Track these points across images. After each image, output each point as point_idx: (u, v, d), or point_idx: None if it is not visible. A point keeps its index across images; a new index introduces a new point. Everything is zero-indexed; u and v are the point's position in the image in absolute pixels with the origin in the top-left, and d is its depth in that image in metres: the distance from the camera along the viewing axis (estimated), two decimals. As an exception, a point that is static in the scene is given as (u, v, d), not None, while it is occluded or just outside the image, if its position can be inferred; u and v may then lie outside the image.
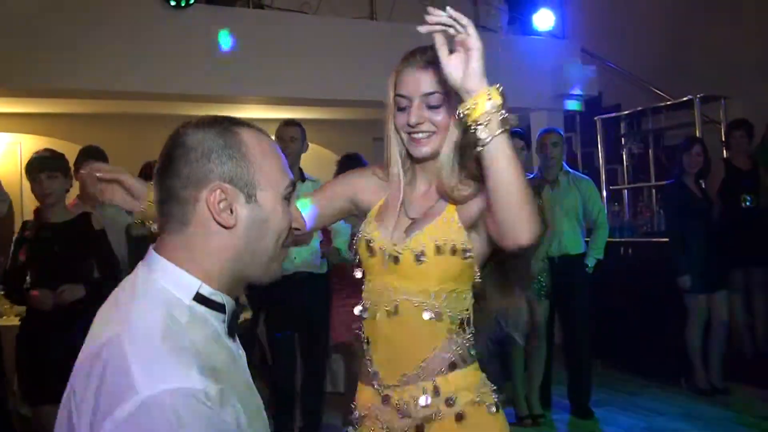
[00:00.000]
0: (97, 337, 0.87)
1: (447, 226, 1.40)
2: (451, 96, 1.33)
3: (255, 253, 0.96)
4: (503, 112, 1.17)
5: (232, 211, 0.92)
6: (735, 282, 4.56)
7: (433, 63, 1.31)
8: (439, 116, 1.38)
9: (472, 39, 1.14)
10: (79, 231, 3.05)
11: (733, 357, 4.56)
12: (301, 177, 3.69)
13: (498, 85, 1.17)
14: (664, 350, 4.70)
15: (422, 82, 1.37)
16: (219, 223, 0.92)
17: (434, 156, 1.42)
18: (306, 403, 3.70)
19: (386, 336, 1.44)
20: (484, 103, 1.15)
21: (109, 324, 0.88)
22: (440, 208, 1.44)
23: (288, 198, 0.99)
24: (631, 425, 3.96)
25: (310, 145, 3.81)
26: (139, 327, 0.85)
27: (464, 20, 1.14)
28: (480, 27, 6.02)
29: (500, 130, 1.16)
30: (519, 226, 1.22)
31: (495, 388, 1.46)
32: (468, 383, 1.42)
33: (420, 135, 1.40)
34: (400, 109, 1.41)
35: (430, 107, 1.38)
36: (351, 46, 5.18)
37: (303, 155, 3.74)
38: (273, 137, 3.63)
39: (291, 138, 3.61)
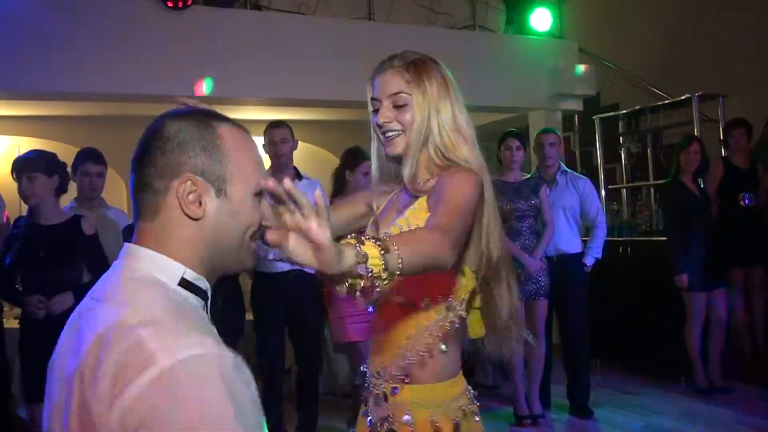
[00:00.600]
0: (94, 325, 0.86)
1: (416, 213, 1.43)
2: (417, 95, 1.41)
3: (223, 244, 0.97)
4: (376, 266, 1.01)
5: (200, 203, 0.93)
6: (734, 281, 4.55)
7: (399, 66, 1.42)
8: (407, 115, 1.43)
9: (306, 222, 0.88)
10: (68, 235, 2.97)
11: (733, 356, 4.56)
12: (297, 176, 3.70)
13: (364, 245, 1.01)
14: (663, 349, 4.70)
15: (388, 83, 1.44)
16: (187, 215, 0.93)
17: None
18: (301, 403, 3.69)
19: (377, 326, 1.49)
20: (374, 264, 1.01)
21: (105, 311, 0.87)
22: (415, 202, 1.48)
23: (260, 194, 0.99)
24: (630, 425, 3.96)
25: (308, 145, 3.82)
26: (145, 308, 0.85)
27: (303, 200, 0.88)
28: (478, 27, 6.06)
29: (387, 280, 1.04)
30: (439, 263, 1.16)
31: (476, 394, 1.48)
32: (451, 393, 1.43)
33: (390, 134, 1.45)
34: (375, 112, 1.48)
35: (397, 107, 1.44)
36: (349, 47, 5.18)
37: (300, 155, 3.75)
38: (263, 139, 3.67)
39: (282, 139, 3.63)
